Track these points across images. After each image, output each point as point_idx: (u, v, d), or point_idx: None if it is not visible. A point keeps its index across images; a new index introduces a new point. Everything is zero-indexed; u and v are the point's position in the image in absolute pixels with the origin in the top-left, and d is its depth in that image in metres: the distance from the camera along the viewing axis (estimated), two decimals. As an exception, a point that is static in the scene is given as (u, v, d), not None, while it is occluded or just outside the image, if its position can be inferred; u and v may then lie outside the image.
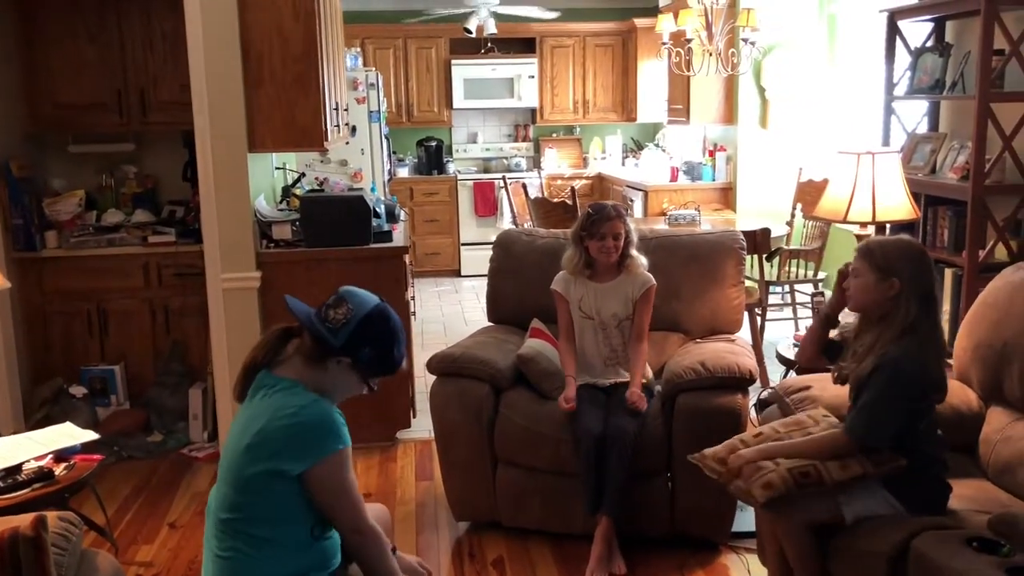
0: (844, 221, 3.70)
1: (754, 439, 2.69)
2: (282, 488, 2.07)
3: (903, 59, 4.55)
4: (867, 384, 2.51)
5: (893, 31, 4.54)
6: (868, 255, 2.60)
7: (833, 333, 2.88)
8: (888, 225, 4.40)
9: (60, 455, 2.97)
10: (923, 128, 4.58)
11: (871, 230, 3.87)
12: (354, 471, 2.19)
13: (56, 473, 2.85)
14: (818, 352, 2.86)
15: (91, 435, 3.11)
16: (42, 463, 2.89)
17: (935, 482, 2.55)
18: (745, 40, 5.65)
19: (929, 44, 4.46)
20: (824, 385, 3.05)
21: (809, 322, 4.83)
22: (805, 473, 2.49)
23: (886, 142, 4.59)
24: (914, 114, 4.65)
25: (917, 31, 4.57)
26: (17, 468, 2.84)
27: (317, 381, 2.19)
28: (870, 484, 2.51)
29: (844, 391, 2.92)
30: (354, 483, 2.16)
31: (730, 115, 7.35)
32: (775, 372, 5.03)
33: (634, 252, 3.49)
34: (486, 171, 9.12)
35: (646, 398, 3.35)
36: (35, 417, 4.37)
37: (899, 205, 3.63)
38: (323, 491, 2.10)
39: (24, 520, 1.98)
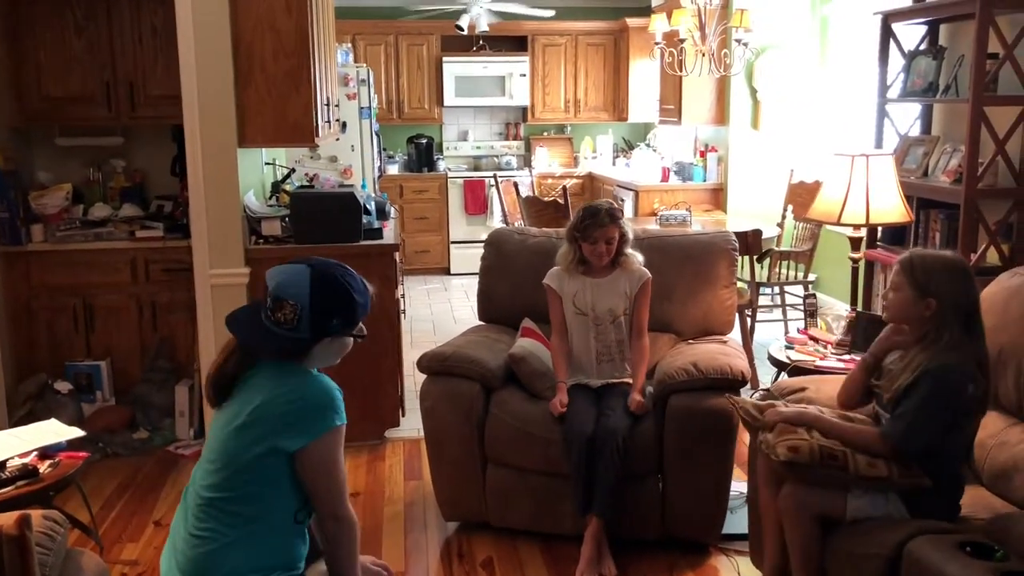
0: (838, 223, 3.69)
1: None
2: (275, 467, 2.05)
3: (896, 62, 4.55)
4: (908, 394, 2.48)
5: (887, 33, 4.54)
6: (909, 270, 2.56)
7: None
8: (880, 228, 4.41)
9: (45, 452, 2.93)
10: (915, 131, 4.59)
11: (864, 232, 3.86)
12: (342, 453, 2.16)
13: (41, 471, 2.82)
14: (860, 398, 2.78)
15: (76, 432, 3.07)
16: (26, 460, 2.85)
17: (949, 502, 2.53)
18: (738, 41, 5.64)
19: (923, 47, 4.46)
20: (819, 386, 3.05)
21: (799, 323, 4.84)
22: (833, 455, 2.47)
23: (879, 144, 4.59)
24: (906, 117, 4.66)
25: (911, 34, 4.57)
26: (1, 465, 2.80)
27: (307, 364, 2.17)
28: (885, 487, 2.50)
29: (837, 391, 2.92)
30: (343, 465, 2.14)
31: (722, 116, 7.35)
32: (765, 374, 5.03)
33: (629, 250, 3.48)
34: (476, 169, 9.09)
35: (627, 388, 3.36)
36: (18, 413, 4.31)
37: (893, 208, 3.62)
38: (315, 469, 2.08)
39: (8, 519, 1.94)
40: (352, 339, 2.21)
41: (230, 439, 2.08)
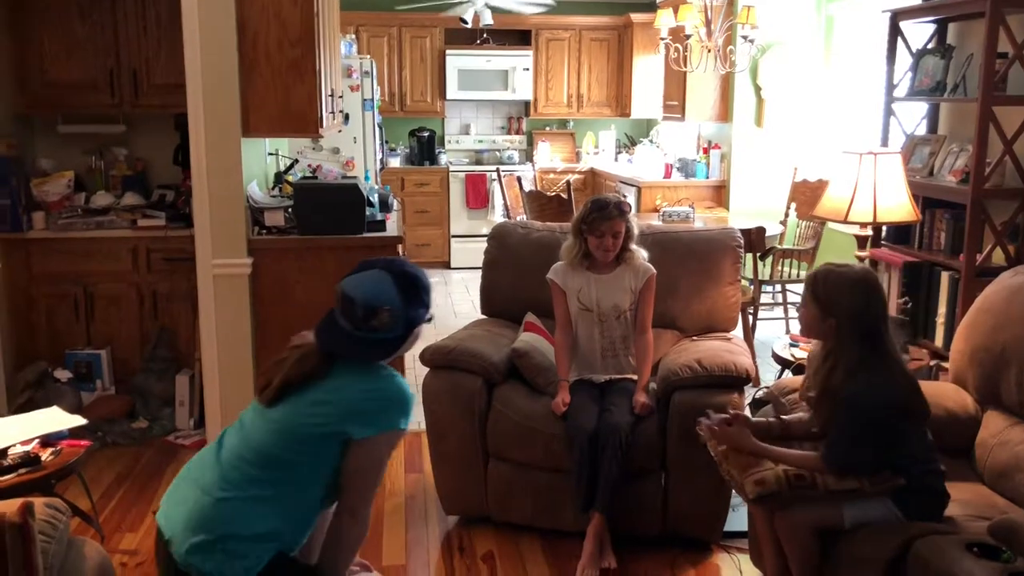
0: (845, 221, 3.68)
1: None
2: (329, 448, 2.12)
3: (904, 60, 4.53)
4: (832, 426, 2.50)
5: (895, 32, 4.52)
6: (812, 286, 2.57)
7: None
8: (884, 227, 4.40)
9: (47, 440, 2.92)
10: (922, 130, 4.57)
11: (870, 231, 3.85)
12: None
13: (42, 459, 2.80)
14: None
15: (78, 420, 3.06)
16: (28, 448, 2.83)
17: (932, 492, 2.53)
18: (744, 38, 5.62)
19: (931, 46, 4.44)
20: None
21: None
22: (799, 476, 2.50)
23: (885, 143, 4.58)
24: (913, 116, 4.64)
25: (919, 32, 4.55)
26: (3, 452, 2.79)
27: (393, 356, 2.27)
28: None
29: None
30: (385, 470, 2.24)
31: (725, 113, 7.33)
32: (766, 371, 5.03)
33: (633, 246, 3.46)
34: (478, 163, 9.07)
35: (630, 385, 3.37)
36: (18, 401, 4.30)
37: (900, 206, 3.61)
38: (362, 462, 2.15)
39: (10, 506, 1.93)
40: (422, 326, 2.32)
41: (300, 409, 2.13)
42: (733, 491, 3.32)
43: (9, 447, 2.81)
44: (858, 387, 2.44)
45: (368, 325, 2.16)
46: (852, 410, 2.44)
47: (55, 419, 3.05)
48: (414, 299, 2.21)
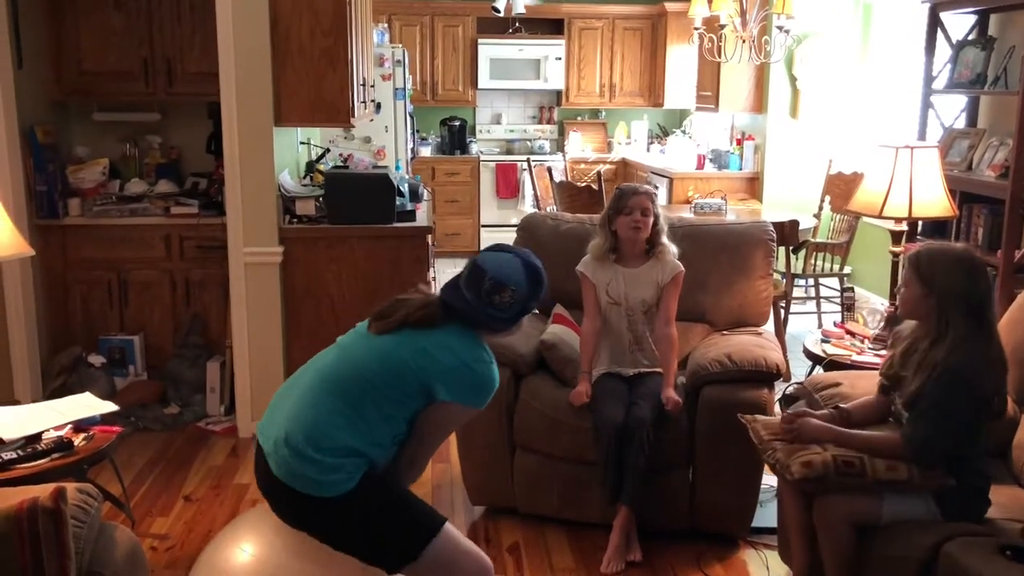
0: (879, 216, 3.62)
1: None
2: (415, 394, 2.22)
3: (943, 52, 4.45)
4: (922, 397, 2.45)
5: (935, 23, 4.44)
6: (915, 265, 2.53)
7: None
8: (920, 222, 4.33)
9: (79, 426, 2.96)
10: (961, 123, 4.49)
11: (904, 226, 3.79)
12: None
13: (75, 444, 2.84)
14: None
15: (110, 406, 3.10)
16: (61, 433, 2.87)
17: (978, 496, 2.49)
18: (779, 28, 5.55)
19: (972, 37, 4.36)
20: (853, 382, 3.00)
21: (835, 316, 4.77)
22: (849, 463, 2.45)
23: (922, 136, 4.51)
24: (952, 109, 4.56)
25: (959, 23, 4.47)
26: (37, 437, 2.83)
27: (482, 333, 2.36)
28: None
29: (873, 388, 2.87)
30: (446, 436, 2.46)
31: (760, 104, 7.25)
32: (797, 366, 4.98)
33: (665, 240, 3.43)
34: (509, 153, 9.05)
35: (658, 378, 3.35)
36: (52, 385, 4.37)
37: (936, 202, 3.54)
38: (438, 419, 2.28)
39: (43, 491, 1.95)
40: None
41: (407, 348, 2.23)
42: (761, 486, 3.32)
43: (43, 432, 2.85)
44: (961, 359, 2.40)
45: (489, 299, 2.27)
46: (949, 387, 2.40)
47: (87, 405, 3.09)
48: (535, 289, 2.33)
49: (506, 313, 2.30)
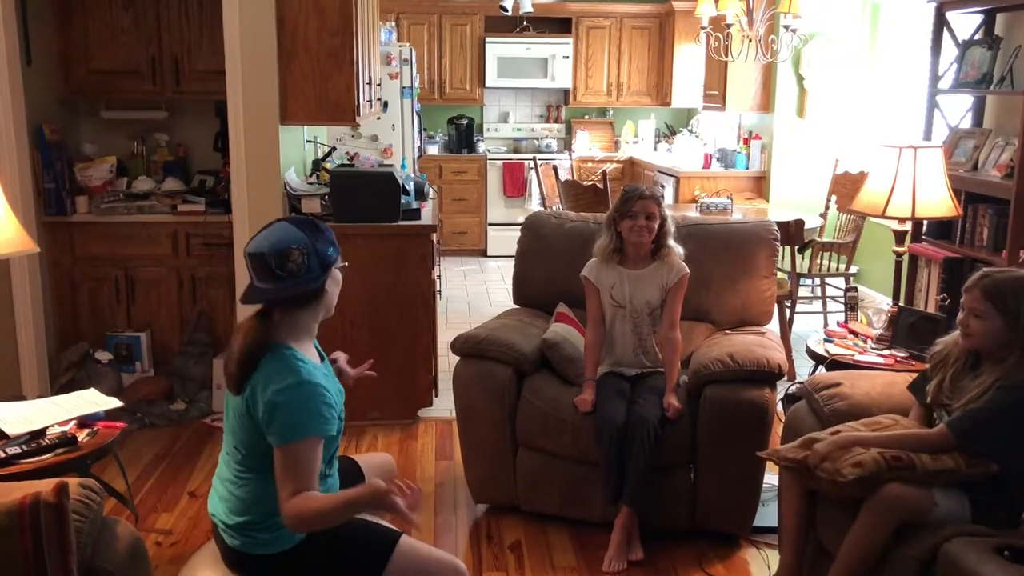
0: (882, 216, 3.62)
1: (830, 435, 2.62)
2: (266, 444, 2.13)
3: (949, 51, 4.44)
4: (983, 399, 2.42)
5: (940, 22, 4.43)
6: (996, 298, 2.43)
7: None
8: (925, 221, 4.32)
9: (83, 421, 2.98)
10: (967, 123, 4.48)
11: (909, 226, 3.78)
12: (314, 461, 2.12)
13: (79, 439, 2.86)
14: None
15: (115, 402, 3.12)
16: (66, 428, 2.90)
17: (1015, 498, 2.46)
18: (786, 27, 5.54)
19: (978, 37, 4.35)
20: (854, 382, 2.99)
21: (839, 316, 4.76)
22: (897, 457, 2.42)
23: (928, 136, 4.50)
24: (958, 108, 4.55)
25: (965, 23, 4.46)
26: (41, 432, 2.85)
27: (320, 310, 2.25)
28: (954, 486, 2.45)
29: (873, 388, 2.87)
30: (306, 472, 2.09)
31: (767, 103, 7.24)
32: (802, 366, 4.97)
33: (671, 242, 3.42)
34: (516, 151, 9.06)
35: (660, 377, 3.35)
36: (60, 381, 4.40)
37: (940, 202, 3.54)
38: (283, 468, 2.09)
39: (46, 486, 1.97)
40: (342, 268, 2.30)
41: (244, 397, 2.15)
42: (762, 485, 3.32)
43: (47, 427, 2.88)
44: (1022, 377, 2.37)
45: (286, 271, 2.14)
46: (1007, 396, 2.37)
47: (92, 400, 3.11)
48: (318, 236, 2.19)
49: (310, 273, 2.16)
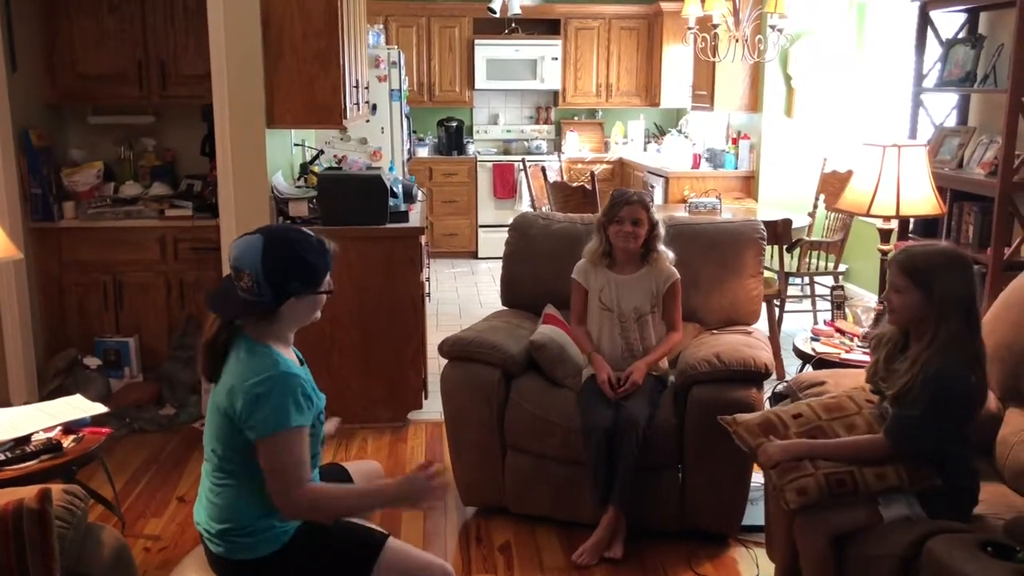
0: (867, 214, 3.64)
1: (793, 420, 2.64)
2: (246, 442, 2.12)
3: (933, 50, 4.46)
4: (912, 395, 2.43)
5: (924, 21, 4.45)
6: (909, 271, 2.46)
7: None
8: (911, 220, 4.34)
9: (69, 427, 2.97)
10: (952, 121, 4.50)
11: (894, 224, 3.80)
12: (303, 450, 2.13)
13: (64, 445, 2.85)
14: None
15: (100, 408, 3.11)
16: (51, 435, 2.89)
17: (964, 494, 2.48)
18: (773, 27, 5.56)
19: (961, 35, 4.37)
20: (838, 380, 3.00)
21: (827, 315, 4.78)
22: (841, 481, 2.43)
23: (913, 135, 4.51)
24: (943, 107, 4.57)
25: (949, 22, 4.48)
26: (26, 439, 2.84)
27: (285, 326, 2.21)
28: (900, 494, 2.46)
29: (858, 384, 2.87)
30: (294, 463, 2.10)
31: (755, 103, 7.26)
32: (791, 365, 4.98)
33: (661, 247, 3.42)
34: (506, 153, 9.06)
35: (648, 378, 3.34)
36: (48, 387, 4.38)
37: (924, 200, 3.56)
38: (265, 460, 2.10)
39: (29, 493, 1.97)
40: (322, 297, 2.25)
41: (219, 392, 2.16)
42: (750, 485, 3.33)
43: (32, 434, 2.87)
44: (949, 368, 2.38)
45: (240, 286, 2.13)
46: (940, 391, 2.38)
47: (77, 406, 3.10)
48: (278, 268, 2.10)
49: (261, 297, 2.10)
